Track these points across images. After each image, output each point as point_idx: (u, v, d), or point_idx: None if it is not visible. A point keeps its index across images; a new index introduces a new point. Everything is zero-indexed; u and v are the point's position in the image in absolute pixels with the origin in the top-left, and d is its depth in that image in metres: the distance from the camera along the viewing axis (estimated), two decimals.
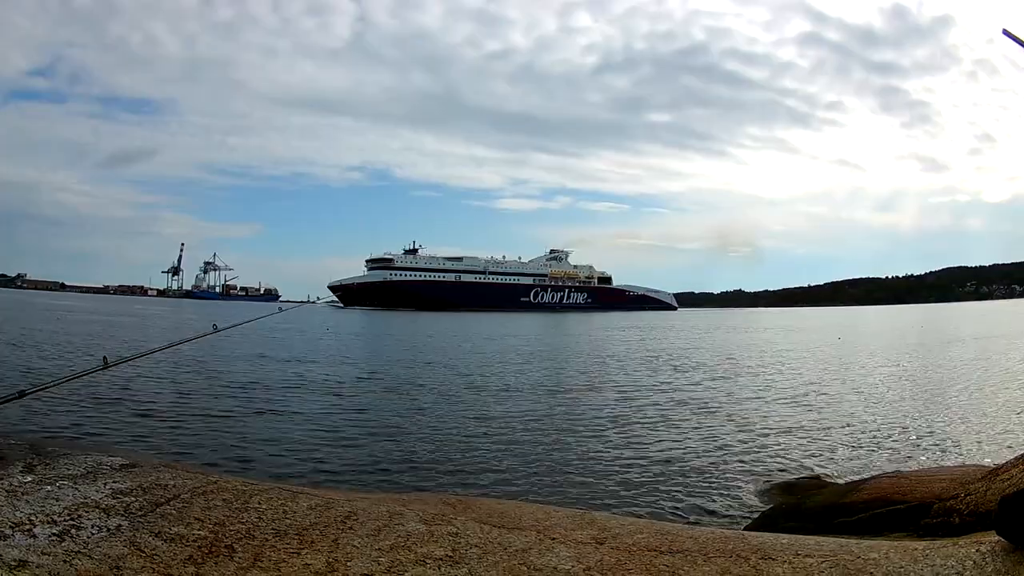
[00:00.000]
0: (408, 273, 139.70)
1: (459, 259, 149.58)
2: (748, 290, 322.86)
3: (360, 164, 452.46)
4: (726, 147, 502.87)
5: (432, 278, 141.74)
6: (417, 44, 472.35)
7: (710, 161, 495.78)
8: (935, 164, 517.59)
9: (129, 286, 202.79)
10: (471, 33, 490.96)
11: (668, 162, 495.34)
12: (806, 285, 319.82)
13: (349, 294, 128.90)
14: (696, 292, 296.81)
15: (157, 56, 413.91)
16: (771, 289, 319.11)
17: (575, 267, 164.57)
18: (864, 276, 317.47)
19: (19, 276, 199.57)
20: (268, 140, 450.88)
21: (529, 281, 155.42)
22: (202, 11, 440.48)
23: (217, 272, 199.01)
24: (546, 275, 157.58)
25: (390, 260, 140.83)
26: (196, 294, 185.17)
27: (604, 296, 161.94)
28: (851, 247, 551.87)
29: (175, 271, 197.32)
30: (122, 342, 29.80)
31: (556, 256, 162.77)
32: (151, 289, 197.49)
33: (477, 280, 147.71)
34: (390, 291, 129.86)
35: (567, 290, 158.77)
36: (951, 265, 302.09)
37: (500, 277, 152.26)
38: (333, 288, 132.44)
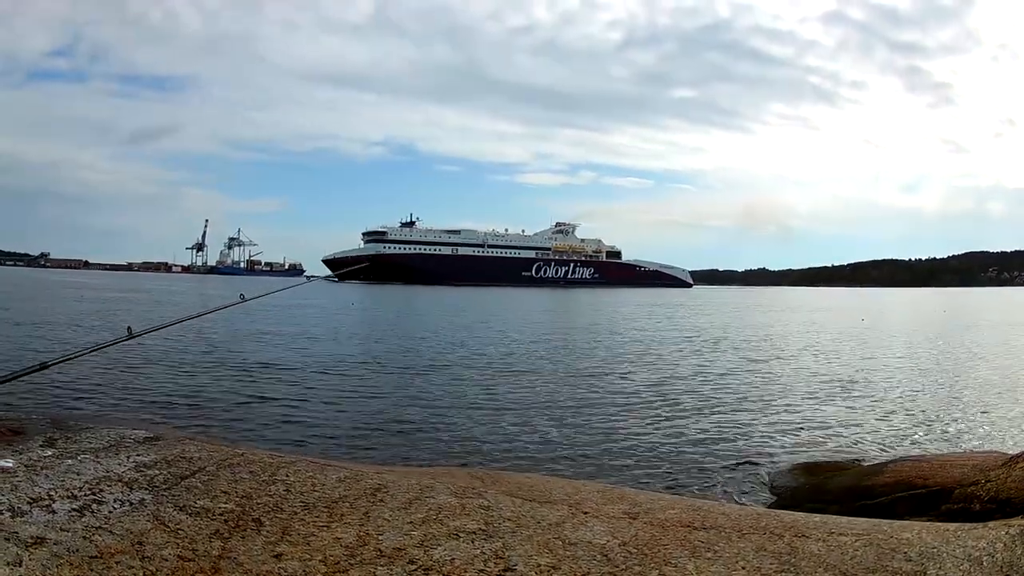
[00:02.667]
0: (402, 246, 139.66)
1: (456, 232, 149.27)
2: (772, 268, 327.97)
3: (383, 139, 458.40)
4: (751, 124, 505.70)
5: (427, 251, 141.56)
6: (440, 18, 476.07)
7: (734, 136, 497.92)
8: (958, 147, 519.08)
9: (153, 263, 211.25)
10: (494, 7, 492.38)
11: (693, 138, 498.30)
12: (830, 265, 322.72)
13: (342, 268, 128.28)
14: (720, 270, 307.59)
15: (178, 32, 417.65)
16: (795, 268, 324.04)
17: (582, 240, 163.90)
18: (887, 258, 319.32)
19: (43, 255, 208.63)
20: (291, 115, 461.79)
21: (531, 255, 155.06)
22: None
23: (242, 247, 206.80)
24: (550, 249, 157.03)
25: (384, 233, 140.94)
26: (221, 270, 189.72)
27: (612, 271, 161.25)
28: (874, 228, 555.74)
29: (199, 247, 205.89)
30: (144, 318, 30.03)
31: (562, 229, 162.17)
32: (175, 265, 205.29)
33: (475, 254, 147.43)
34: (383, 264, 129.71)
35: (572, 264, 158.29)
36: (973, 249, 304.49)
37: (500, 251, 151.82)
38: (327, 262, 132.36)
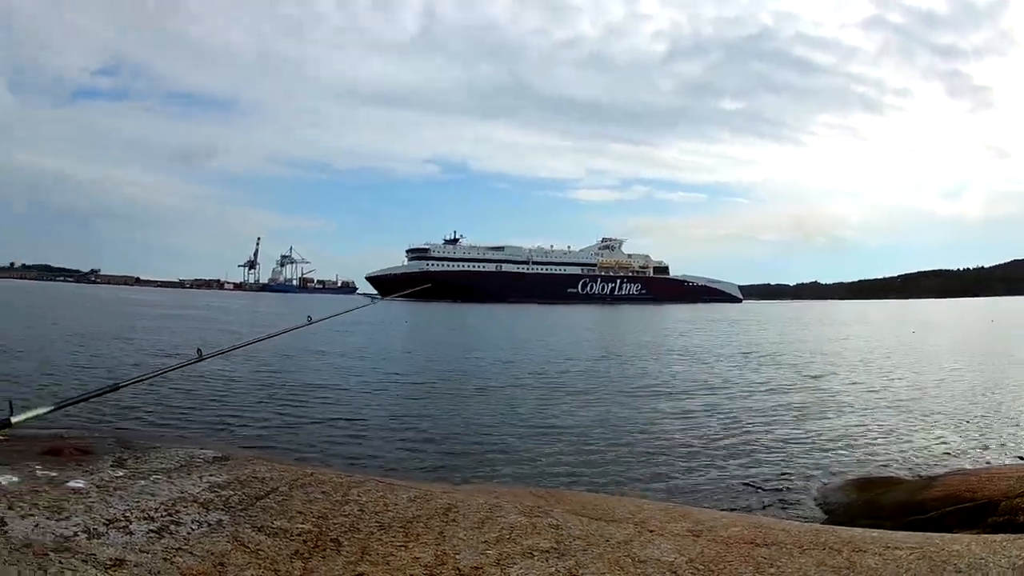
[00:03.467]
0: (446, 263, 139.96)
1: (500, 248, 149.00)
2: (823, 282, 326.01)
3: (433, 157, 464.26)
4: (799, 135, 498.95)
5: (471, 268, 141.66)
6: (485, 35, 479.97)
7: (785, 148, 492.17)
8: (1000, 151, 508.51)
9: (206, 280, 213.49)
10: (539, 22, 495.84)
11: (743, 150, 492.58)
12: (880, 277, 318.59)
13: (387, 286, 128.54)
14: (772, 284, 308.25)
15: (227, 52, 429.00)
16: (845, 281, 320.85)
17: (628, 256, 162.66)
18: (935, 268, 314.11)
19: (93, 271, 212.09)
20: (340, 135, 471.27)
21: (577, 271, 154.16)
22: (270, 8, 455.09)
23: (294, 265, 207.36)
24: (595, 265, 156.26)
25: (427, 250, 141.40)
26: (273, 287, 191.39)
27: (659, 287, 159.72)
28: (918, 237, 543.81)
29: (251, 264, 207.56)
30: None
31: (608, 245, 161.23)
32: (227, 283, 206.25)
33: (519, 271, 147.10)
34: (427, 282, 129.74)
35: (619, 281, 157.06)
36: (1019, 257, 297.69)
37: (545, 267, 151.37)
38: (371, 279, 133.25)
